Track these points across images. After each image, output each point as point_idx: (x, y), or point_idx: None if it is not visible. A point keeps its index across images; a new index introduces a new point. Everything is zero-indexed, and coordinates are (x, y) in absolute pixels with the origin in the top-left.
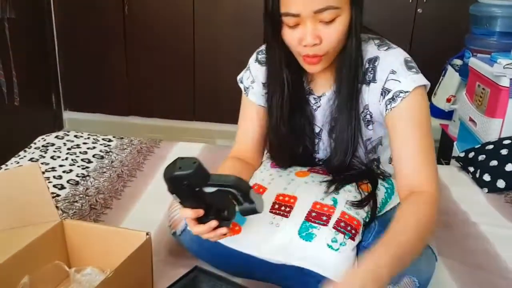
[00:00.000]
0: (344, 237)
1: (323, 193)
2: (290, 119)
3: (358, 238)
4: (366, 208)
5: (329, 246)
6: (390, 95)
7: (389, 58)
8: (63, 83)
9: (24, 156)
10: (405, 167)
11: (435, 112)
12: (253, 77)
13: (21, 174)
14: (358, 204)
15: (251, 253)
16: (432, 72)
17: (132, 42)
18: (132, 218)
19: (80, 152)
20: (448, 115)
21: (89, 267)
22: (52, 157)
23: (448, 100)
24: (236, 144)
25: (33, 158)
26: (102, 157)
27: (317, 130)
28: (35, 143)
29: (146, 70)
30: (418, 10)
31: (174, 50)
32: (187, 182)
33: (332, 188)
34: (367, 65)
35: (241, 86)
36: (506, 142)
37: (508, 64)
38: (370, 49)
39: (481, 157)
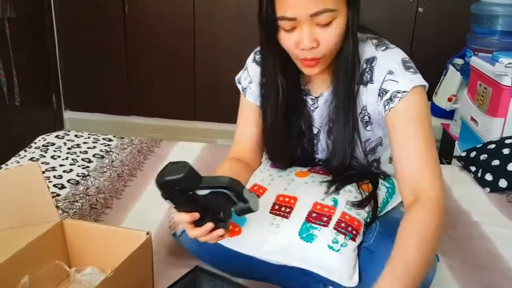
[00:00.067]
0: (345, 238)
1: (324, 194)
2: (286, 122)
3: (359, 238)
4: (367, 208)
5: (330, 247)
6: (388, 96)
7: (386, 58)
8: (64, 82)
9: (25, 156)
10: (406, 166)
11: (436, 111)
12: (250, 78)
13: (21, 173)
14: (359, 205)
15: (252, 254)
16: (433, 71)
17: (132, 41)
18: (132, 218)
19: (80, 152)
20: (449, 114)
21: (89, 267)
22: (52, 157)
23: (450, 100)
24: (234, 145)
25: (33, 157)
26: (102, 157)
27: (315, 131)
28: (35, 143)
29: (147, 70)
30: (419, 9)
31: (174, 50)
32: (179, 187)
33: (333, 188)
34: (364, 66)
35: (239, 86)
36: (508, 141)
37: (510, 63)
38: (368, 49)
39: (483, 157)
